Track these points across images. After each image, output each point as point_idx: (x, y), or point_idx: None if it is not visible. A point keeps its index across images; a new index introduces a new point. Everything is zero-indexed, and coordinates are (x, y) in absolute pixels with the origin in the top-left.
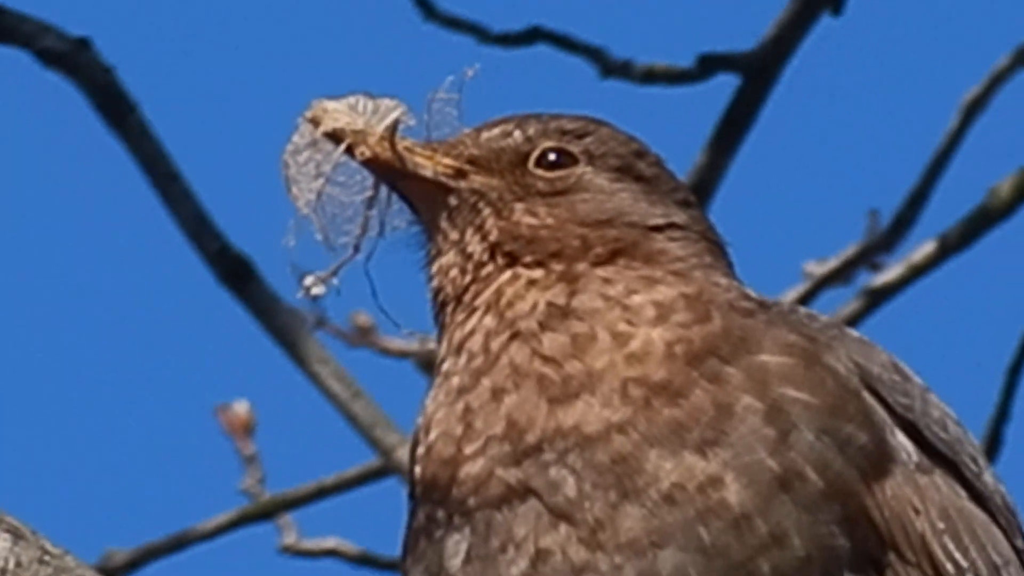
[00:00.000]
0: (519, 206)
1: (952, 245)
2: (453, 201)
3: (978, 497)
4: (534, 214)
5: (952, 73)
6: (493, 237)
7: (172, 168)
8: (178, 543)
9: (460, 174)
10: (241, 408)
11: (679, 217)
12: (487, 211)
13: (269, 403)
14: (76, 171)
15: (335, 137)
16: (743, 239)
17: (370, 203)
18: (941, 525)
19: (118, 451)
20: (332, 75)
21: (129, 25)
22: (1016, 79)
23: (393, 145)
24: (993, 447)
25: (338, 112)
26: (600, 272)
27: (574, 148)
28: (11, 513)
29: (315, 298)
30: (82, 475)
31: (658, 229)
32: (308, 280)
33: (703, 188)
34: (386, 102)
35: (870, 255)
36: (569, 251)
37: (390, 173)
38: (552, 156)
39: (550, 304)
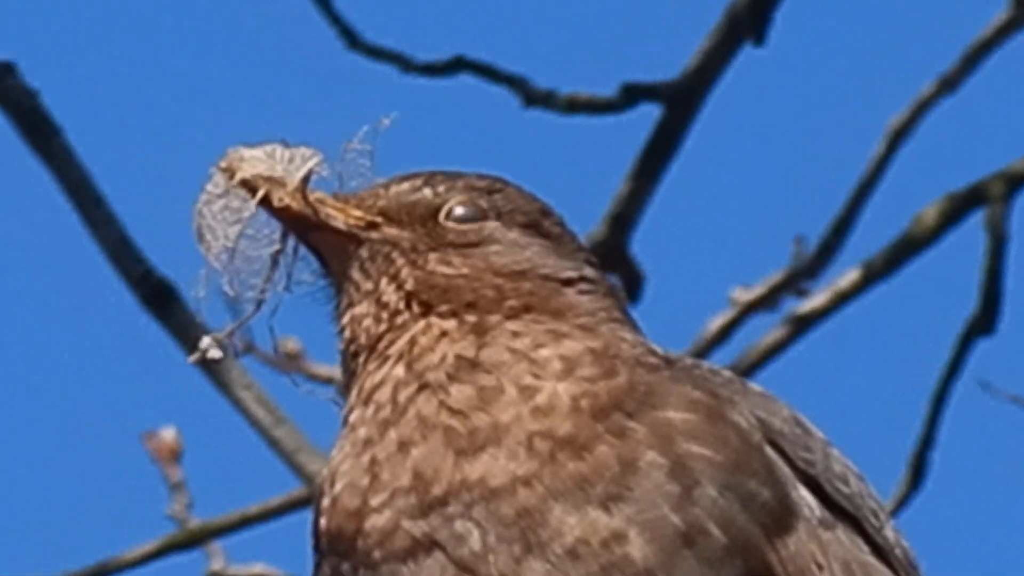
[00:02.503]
0: (433, 256)
1: (877, 272)
2: (365, 252)
3: (879, 551)
4: (449, 263)
5: (877, 100)
6: (409, 286)
7: (96, 192)
8: (104, 570)
9: (371, 226)
10: (168, 434)
11: (589, 271)
12: (401, 260)
13: (195, 429)
14: None
15: (249, 186)
16: (668, 267)
17: (277, 257)
18: None
19: (43, 478)
20: (256, 102)
21: (54, 49)
22: (941, 106)
23: (305, 196)
24: (917, 474)
25: (254, 159)
26: (509, 325)
27: (483, 203)
28: None
29: (212, 360)
30: (4, 503)
31: (570, 283)
32: (205, 342)
33: (626, 217)
34: (302, 151)
35: (795, 282)
36: (484, 302)
37: (301, 224)
38: (461, 211)
39: (459, 357)
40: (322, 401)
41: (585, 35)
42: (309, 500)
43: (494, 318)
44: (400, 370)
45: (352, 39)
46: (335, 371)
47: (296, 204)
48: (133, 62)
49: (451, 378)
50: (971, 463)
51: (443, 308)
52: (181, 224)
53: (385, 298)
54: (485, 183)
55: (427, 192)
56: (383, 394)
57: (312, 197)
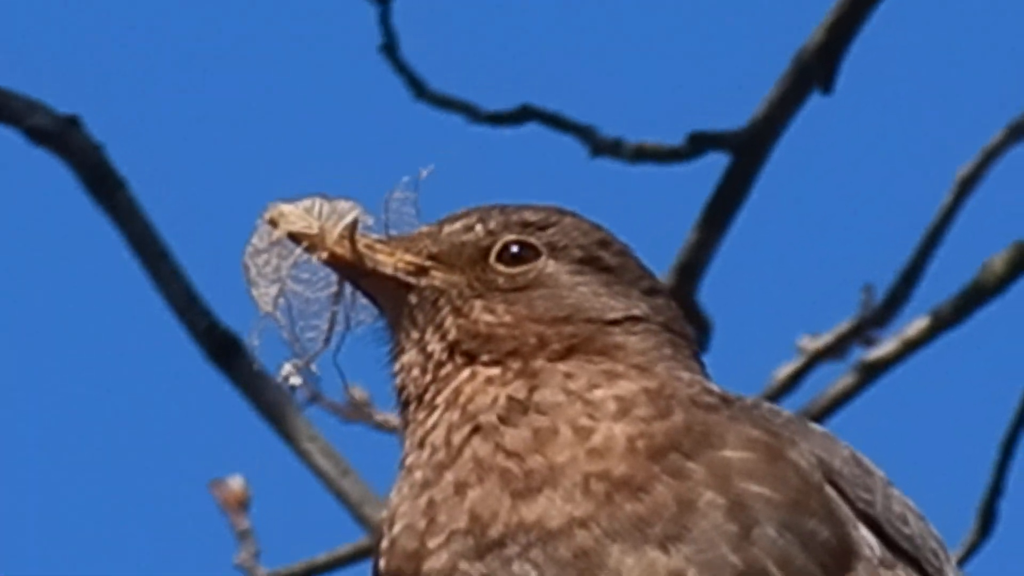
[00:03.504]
0: (478, 303)
1: (946, 320)
2: (414, 299)
3: None
4: (492, 311)
5: (945, 149)
6: (451, 336)
7: (160, 246)
8: None
9: (421, 271)
10: (235, 483)
11: (639, 309)
12: (446, 309)
13: (262, 479)
14: (64, 249)
15: (294, 238)
16: (736, 316)
17: (336, 299)
18: None
19: (111, 527)
20: (322, 153)
21: (119, 103)
22: (1010, 154)
23: (353, 243)
24: (987, 522)
25: (294, 215)
26: (561, 367)
27: (536, 240)
28: None
29: (293, 387)
30: (75, 553)
31: (616, 323)
32: (286, 369)
33: (694, 266)
34: (342, 203)
35: (863, 330)
36: (526, 349)
37: (351, 271)
38: (514, 249)
39: (510, 398)
40: (388, 452)
41: (652, 84)
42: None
43: (538, 363)
44: (451, 414)
45: (419, 89)
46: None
47: (342, 251)
48: (197, 115)
49: (504, 420)
50: None
51: (486, 357)
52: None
53: (430, 348)
54: (540, 216)
55: (479, 230)
56: (437, 437)
57: (362, 243)
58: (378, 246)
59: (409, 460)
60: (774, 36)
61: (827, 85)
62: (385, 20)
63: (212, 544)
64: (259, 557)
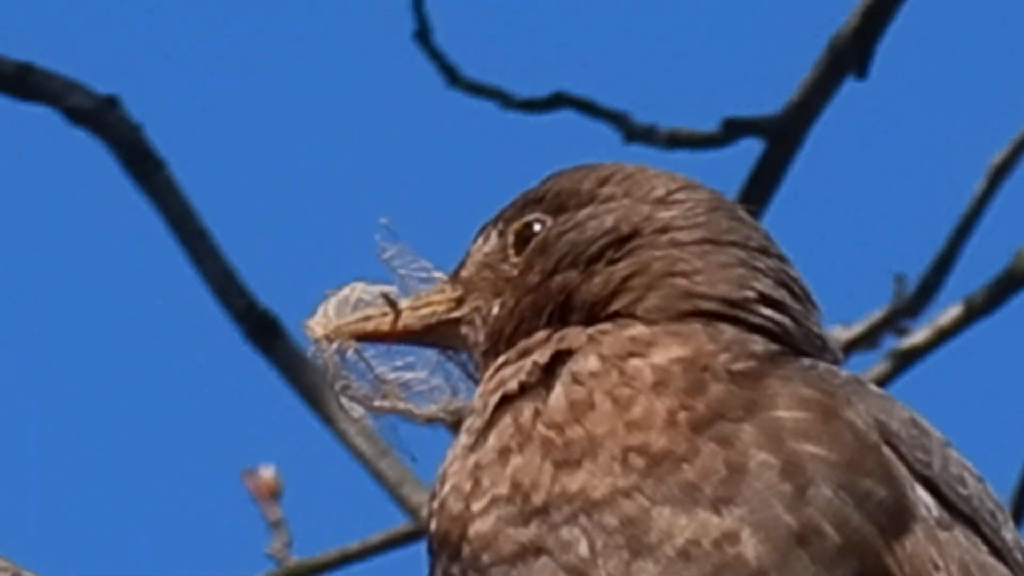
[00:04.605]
0: (496, 302)
1: (979, 308)
2: (465, 330)
3: (997, 553)
4: (503, 304)
5: (978, 137)
6: (482, 347)
7: (199, 225)
8: None
9: (459, 302)
10: (267, 473)
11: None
12: (478, 323)
13: (297, 462)
14: (103, 228)
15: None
16: None
17: (441, 356)
18: None
19: (143, 515)
20: (357, 139)
21: (157, 83)
22: None
23: (396, 314)
24: (1020, 511)
25: (314, 324)
26: (589, 331)
27: (532, 216)
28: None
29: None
30: (104, 538)
31: (613, 260)
32: (357, 413)
33: None
34: (346, 292)
35: (896, 320)
36: (528, 325)
37: (408, 339)
38: (525, 234)
39: (536, 364)
40: (426, 433)
41: (686, 70)
42: (410, 536)
43: (543, 332)
44: (488, 385)
45: (452, 75)
46: (438, 413)
47: (385, 327)
48: (234, 97)
49: (539, 386)
50: None
51: (501, 346)
52: (286, 257)
53: (469, 368)
54: (537, 191)
55: (493, 237)
56: (479, 403)
57: (403, 306)
58: (417, 302)
59: (464, 424)
60: (809, 21)
61: (862, 71)
62: (418, 7)
63: (244, 533)
64: (291, 546)
